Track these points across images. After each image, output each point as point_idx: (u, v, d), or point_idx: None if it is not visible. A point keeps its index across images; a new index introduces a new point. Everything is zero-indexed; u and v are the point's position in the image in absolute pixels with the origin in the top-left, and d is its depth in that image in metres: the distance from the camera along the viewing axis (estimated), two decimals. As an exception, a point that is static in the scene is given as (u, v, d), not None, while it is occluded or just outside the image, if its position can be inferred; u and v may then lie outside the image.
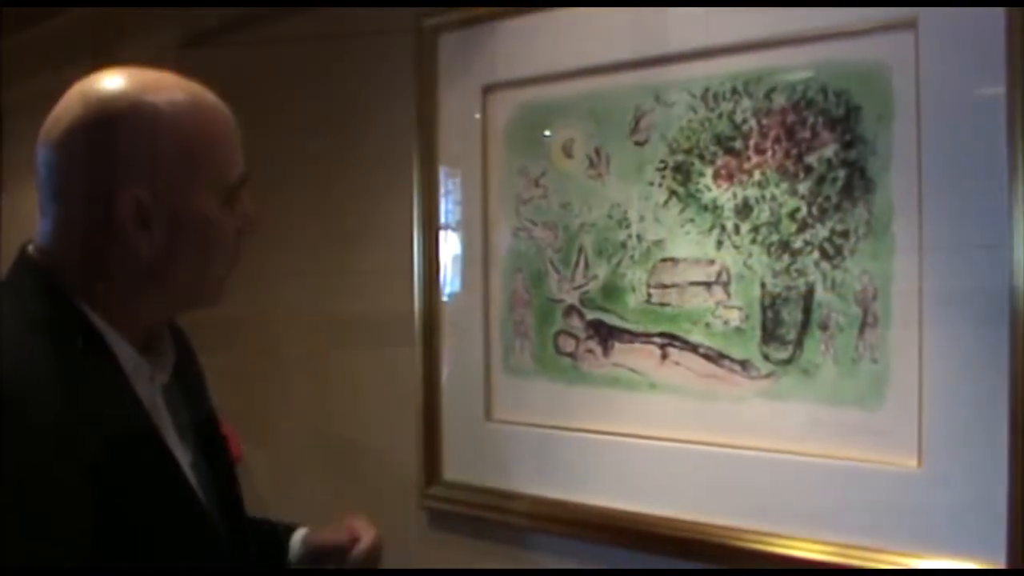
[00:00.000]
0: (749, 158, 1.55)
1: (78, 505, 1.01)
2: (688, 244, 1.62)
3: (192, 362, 1.38)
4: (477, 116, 1.90)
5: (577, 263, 1.76)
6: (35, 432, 1.00)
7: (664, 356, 1.65)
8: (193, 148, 1.14)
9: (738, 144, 1.56)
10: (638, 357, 1.69)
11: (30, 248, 1.16)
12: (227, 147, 1.18)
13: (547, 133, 1.81)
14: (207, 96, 1.18)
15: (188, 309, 1.25)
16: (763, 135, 1.53)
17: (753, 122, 1.54)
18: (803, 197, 1.49)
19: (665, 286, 1.65)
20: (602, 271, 1.73)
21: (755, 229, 1.54)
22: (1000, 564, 1.32)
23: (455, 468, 1.97)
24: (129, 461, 1.08)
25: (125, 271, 1.12)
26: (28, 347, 1.06)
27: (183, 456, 1.19)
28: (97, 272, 1.12)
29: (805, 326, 1.50)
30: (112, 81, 1.13)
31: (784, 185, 1.51)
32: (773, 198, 1.52)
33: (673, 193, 1.63)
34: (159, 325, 1.23)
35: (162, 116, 1.12)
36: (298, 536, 1.53)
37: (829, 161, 1.47)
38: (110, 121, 1.11)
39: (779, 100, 1.52)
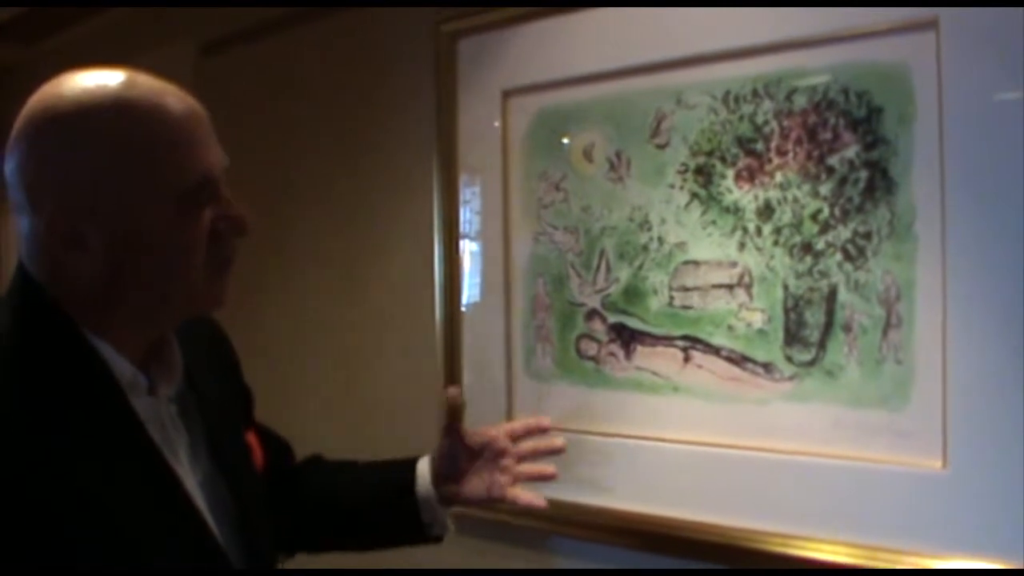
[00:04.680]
0: (771, 160, 1.55)
1: (65, 526, 0.98)
2: (710, 246, 1.61)
3: (218, 370, 1.33)
4: (497, 121, 1.91)
5: (599, 267, 1.76)
6: (19, 453, 0.97)
7: (687, 359, 1.65)
8: (126, 158, 1.04)
9: (759, 146, 1.56)
10: (660, 360, 1.68)
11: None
12: (175, 148, 1.07)
13: (565, 141, 1.81)
14: (149, 97, 1.07)
15: (179, 316, 1.17)
16: (784, 137, 1.53)
17: (774, 124, 1.54)
18: (825, 198, 1.49)
19: (687, 289, 1.64)
20: (624, 274, 1.73)
21: (777, 231, 1.54)
22: (1027, 566, 1.32)
23: (477, 473, 1.96)
24: (120, 476, 1.04)
25: (87, 288, 1.07)
26: (16, 364, 1.04)
27: (192, 473, 1.15)
28: (69, 289, 1.07)
29: (828, 328, 1.50)
30: (44, 95, 1.07)
31: (806, 186, 1.51)
32: (795, 199, 1.52)
33: (694, 195, 1.63)
34: (160, 335, 1.17)
35: (87, 129, 1.04)
36: (423, 465, 1.50)
37: (851, 162, 1.47)
38: (36, 140, 1.05)
39: (800, 102, 1.52)
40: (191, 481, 1.14)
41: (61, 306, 1.07)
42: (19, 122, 1.07)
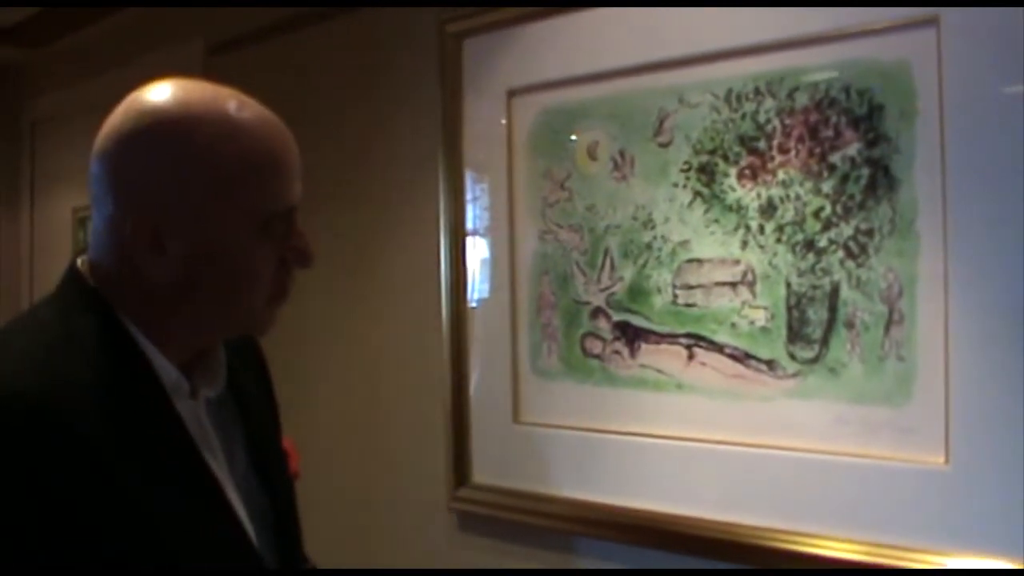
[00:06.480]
0: (773, 158, 1.55)
1: (104, 522, 1.00)
2: (713, 244, 1.62)
3: (255, 375, 1.35)
4: (502, 120, 1.92)
5: (603, 265, 1.77)
6: (65, 446, 0.98)
7: (691, 357, 1.65)
8: (224, 177, 1.07)
9: (762, 144, 1.56)
10: (665, 358, 1.69)
11: (79, 261, 1.13)
12: (270, 177, 1.10)
13: (572, 139, 1.82)
14: (256, 123, 1.10)
15: (229, 335, 1.21)
16: (786, 135, 1.54)
17: (776, 122, 1.55)
18: (827, 196, 1.50)
19: (691, 287, 1.65)
20: (628, 273, 1.73)
21: (780, 229, 1.54)
22: (1030, 562, 1.32)
23: (483, 470, 1.98)
24: (162, 477, 1.06)
25: (151, 291, 1.09)
26: (64, 360, 1.05)
27: (229, 474, 1.17)
28: (129, 288, 1.09)
29: (831, 325, 1.50)
30: (153, 98, 1.08)
31: (808, 184, 1.51)
32: (797, 197, 1.52)
33: (698, 194, 1.64)
34: (207, 343, 1.19)
35: (193, 142, 1.06)
36: None
37: (853, 160, 1.47)
38: (138, 141, 1.06)
39: (802, 100, 1.52)
40: (228, 482, 1.15)
41: (114, 306, 1.09)
42: (120, 121, 1.08)
